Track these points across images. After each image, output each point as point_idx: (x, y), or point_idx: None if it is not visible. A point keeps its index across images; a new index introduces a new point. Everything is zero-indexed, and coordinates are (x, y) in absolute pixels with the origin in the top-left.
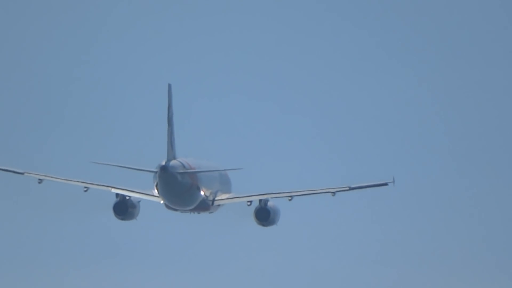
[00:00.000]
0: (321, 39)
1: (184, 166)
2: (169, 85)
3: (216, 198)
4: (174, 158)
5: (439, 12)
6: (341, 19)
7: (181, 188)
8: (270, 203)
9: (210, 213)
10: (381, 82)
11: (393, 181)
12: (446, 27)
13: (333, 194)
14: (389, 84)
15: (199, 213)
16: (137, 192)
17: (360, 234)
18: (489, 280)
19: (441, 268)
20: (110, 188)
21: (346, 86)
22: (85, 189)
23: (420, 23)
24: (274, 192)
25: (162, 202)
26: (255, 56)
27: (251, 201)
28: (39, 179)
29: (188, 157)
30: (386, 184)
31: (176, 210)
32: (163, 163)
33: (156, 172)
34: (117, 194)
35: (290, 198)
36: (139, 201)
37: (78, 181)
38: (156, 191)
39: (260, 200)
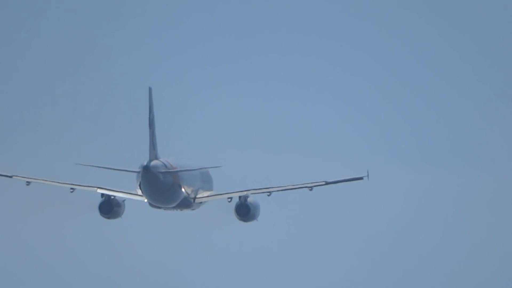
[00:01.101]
0: (301, 36)
1: (165, 166)
2: (150, 89)
3: (198, 196)
4: (156, 158)
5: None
6: (326, 18)
7: (163, 187)
8: (250, 199)
9: (192, 210)
10: (354, 78)
11: (368, 175)
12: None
13: (310, 189)
14: (361, 80)
15: (181, 210)
16: (122, 192)
17: (338, 227)
18: (464, 270)
19: (414, 259)
20: (95, 188)
21: (322, 83)
22: (72, 190)
23: (400, 21)
24: (253, 188)
25: (146, 200)
26: (230, 52)
27: (231, 198)
28: (27, 182)
29: (169, 157)
30: (361, 178)
31: (159, 207)
32: (145, 163)
33: (139, 172)
34: (102, 194)
35: (269, 193)
36: (123, 200)
37: (65, 183)
38: (139, 190)
39: (240, 197)
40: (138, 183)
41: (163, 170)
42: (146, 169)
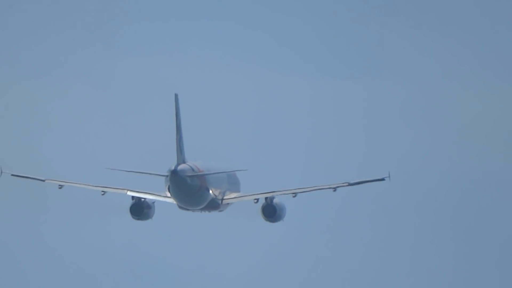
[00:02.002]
0: (320, 39)
1: (193, 170)
2: (176, 95)
3: (225, 197)
4: (184, 162)
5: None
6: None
7: (191, 190)
8: (276, 200)
9: (220, 211)
10: (378, 80)
11: (389, 176)
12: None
13: (334, 190)
14: (385, 82)
15: (209, 211)
16: (151, 194)
17: (360, 227)
18: (485, 274)
19: (433, 262)
20: (126, 191)
21: (343, 85)
22: (103, 193)
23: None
24: (279, 190)
25: (174, 202)
26: (253, 58)
27: (257, 199)
28: (60, 185)
29: (197, 160)
30: (382, 179)
31: (187, 209)
32: (173, 167)
33: (167, 176)
34: (132, 197)
35: (294, 195)
36: (153, 202)
37: (96, 186)
38: (168, 193)
39: (266, 198)
40: (167, 187)
41: (190, 174)
42: (174, 173)
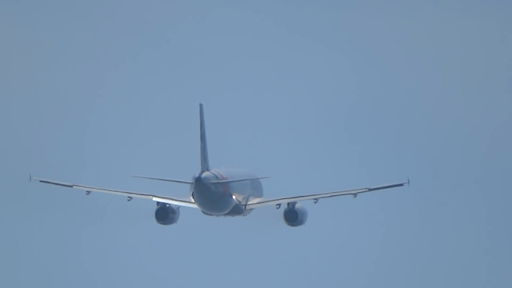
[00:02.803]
0: (340, 44)
1: (216, 177)
2: (201, 105)
3: (248, 203)
4: (208, 169)
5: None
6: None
7: (215, 197)
8: (297, 205)
9: (243, 216)
10: (394, 84)
11: (408, 182)
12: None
13: (354, 195)
14: (401, 86)
15: (233, 216)
16: (176, 200)
17: (379, 232)
18: (503, 277)
19: (454, 266)
20: (151, 197)
21: (361, 90)
22: (129, 198)
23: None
24: (300, 195)
25: (198, 208)
26: (274, 66)
27: (279, 204)
28: (87, 191)
29: (220, 167)
30: (401, 184)
31: (211, 215)
32: (197, 175)
33: (191, 184)
34: (157, 202)
35: (315, 200)
36: (178, 207)
37: (122, 191)
38: (192, 199)
39: (288, 203)
40: (191, 193)
41: (214, 181)
42: (198, 181)
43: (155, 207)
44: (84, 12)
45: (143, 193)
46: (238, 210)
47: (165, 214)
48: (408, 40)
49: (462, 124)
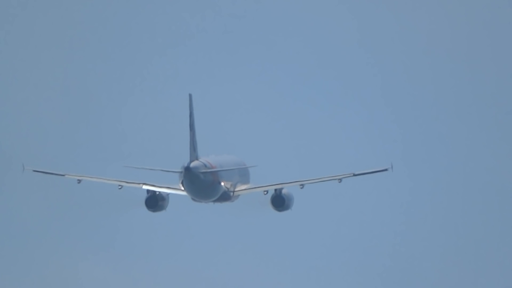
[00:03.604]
0: (324, 33)
1: (205, 166)
2: (190, 95)
3: (236, 190)
4: (197, 158)
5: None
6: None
7: (204, 185)
8: (284, 191)
9: (231, 202)
10: (376, 70)
11: (392, 167)
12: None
13: (339, 180)
14: (383, 73)
15: (221, 203)
16: (165, 187)
17: (363, 216)
18: (484, 263)
19: (435, 248)
20: (141, 185)
21: (343, 77)
22: (120, 187)
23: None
24: (287, 181)
25: (187, 195)
26: (259, 55)
27: (267, 191)
28: (78, 180)
29: (209, 155)
30: (385, 169)
31: (200, 201)
32: (187, 164)
33: (181, 172)
34: (147, 190)
35: (301, 186)
36: (168, 194)
37: (113, 180)
38: (181, 187)
39: (275, 189)
40: (181, 181)
41: (203, 170)
42: (188, 170)
43: (145, 194)
44: (73, 6)
45: (134, 181)
46: (226, 196)
47: (155, 202)
48: (392, 26)
49: (444, 110)
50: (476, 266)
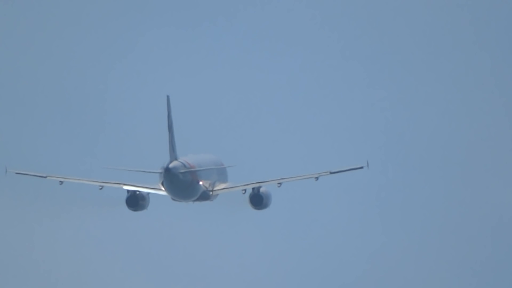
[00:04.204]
0: (300, 36)
1: (184, 166)
2: (168, 97)
3: (215, 189)
4: (176, 159)
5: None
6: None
7: (183, 185)
8: (262, 189)
9: (210, 201)
10: (352, 67)
11: (367, 165)
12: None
13: (316, 178)
14: (359, 69)
15: (200, 202)
16: (145, 187)
17: (340, 212)
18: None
19: (409, 243)
20: (121, 185)
21: (320, 75)
22: (100, 187)
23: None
24: (265, 180)
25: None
26: (236, 56)
27: (245, 190)
28: (60, 181)
29: (187, 155)
30: (361, 167)
31: (180, 201)
32: (166, 165)
33: (161, 173)
34: (128, 190)
35: (279, 184)
36: (148, 194)
37: (94, 181)
38: (161, 187)
39: (253, 188)
40: (161, 182)
41: (182, 170)
42: (167, 171)
43: (126, 194)
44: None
45: (114, 182)
46: (205, 196)
47: (135, 201)
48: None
49: (420, 107)
50: (454, 263)
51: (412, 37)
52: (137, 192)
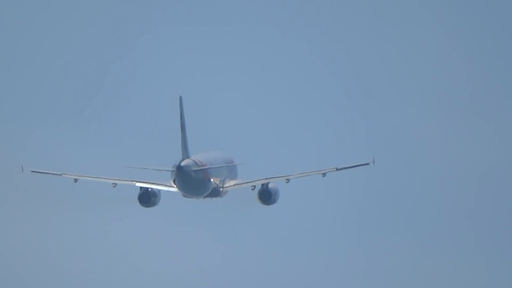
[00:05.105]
0: (310, 34)
1: (196, 164)
2: (180, 98)
3: (225, 185)
4: (188, 157)
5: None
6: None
7: (195, 182)
8: (270, 185)
9: (220, 197)
10: (359, 67)
11: (373, 161)
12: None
13: (323, 175)
14: (365, 68)
15: (211, 198)
16: (157, 184)
17: (347, 208)
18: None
19: (417, 239)
20: (134, 182)
21: (329, 73)
22: (114, 185)
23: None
24: (273, 176)
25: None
26: (246, 55)
27: (254, 186)
28: (75, 179)
29: (198, 153)
30: (367, 164)
31: (191, 197)
32: (178, 163)
33: (173, 171)
34: (140, 187)
35: (287, 180)
36: (159, 191)
37: (107, 178)
38: (173, 184)
39: (262, 184)
40: (173, 179)
41: (194, 168)
42: (179, 169)
43: (138, 191)
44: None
45: (127, 179)
46: (216, 192)
47: (147, 198)
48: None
49: (426, 104)
50: (460, 258)
51: (414, 35)
52: (149, 189)
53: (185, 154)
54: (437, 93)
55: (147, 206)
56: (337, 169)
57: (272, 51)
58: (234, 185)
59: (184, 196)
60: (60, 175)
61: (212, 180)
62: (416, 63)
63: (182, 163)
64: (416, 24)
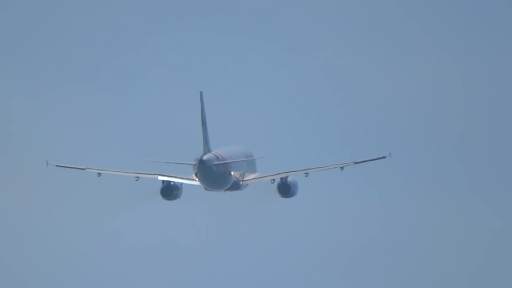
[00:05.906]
0: (324, 30)
1: (217, 158)
2: (201, 93)
3: (245, 179)
4: (209, 151)
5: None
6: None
7: (216, 176)
8: (289, 179)
9: (240, 191)
10: (375, 62)
11: (390, 155)
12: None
13: (341, 168)
14: (380, 63)
15: (231, 191)
16: (179, 178)
17: (363, 201)
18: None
19: (432, 234)
20: (156, 176)
21: (346, 69)
22: (136, 178)
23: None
24: (292, 170)
25: (200, 185)
26: (264, 51)
27: (274, 179)
28: (98, 173)
29: (219, 147)
30: (384, 157)
31: (212, 191)
32: (200, 157)
33: (195, 165)
34: (162, 181)
35: (306, 174)
36: (181, 184)
37: (130, 172)
38: (195, 177)
39: (281, 177)
40: (194, 173)
41: (215, 162)
42: (201, 163)
43: (160, 185)
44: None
45: (149, 173)
46: (236, 186)
47: (169, 191)
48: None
49: (440, 98)
50: (474, 256)
51: (417, 36)
52: (171, 183)
53: (207, 148)
54: (453, 86)
55: (169, 199)
56: (355, 163)
57: (292, 47)
58: (254, 178)
59: (205, 189)
60: (84, 169)
61: (232, 173)
62: (425, 54)
63: (204, 157)
64: (419, 24)
